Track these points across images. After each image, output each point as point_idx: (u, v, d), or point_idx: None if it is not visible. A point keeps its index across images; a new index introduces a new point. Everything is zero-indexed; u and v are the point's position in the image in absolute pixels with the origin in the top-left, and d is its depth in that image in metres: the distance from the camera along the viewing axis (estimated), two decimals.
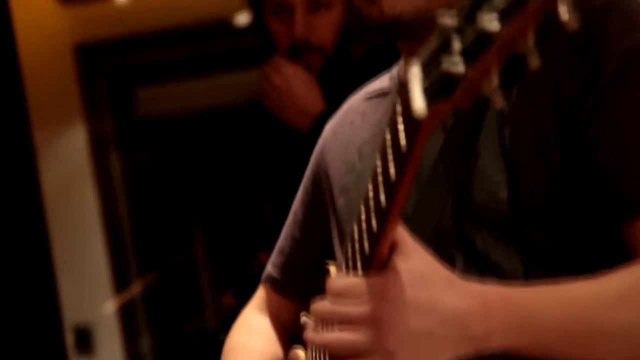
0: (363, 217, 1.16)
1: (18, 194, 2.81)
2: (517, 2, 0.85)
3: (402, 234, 1.14)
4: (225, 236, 4.71)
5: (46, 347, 2.82)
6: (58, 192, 4.12)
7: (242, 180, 4.50)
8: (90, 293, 4.32)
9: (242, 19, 4.34)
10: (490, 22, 0.86)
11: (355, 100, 1.63)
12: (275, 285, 1.73)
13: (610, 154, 1.26)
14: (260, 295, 1.77)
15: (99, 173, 4.42)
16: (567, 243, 1.29)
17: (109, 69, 4.55)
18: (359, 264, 1.18)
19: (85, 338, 4.30)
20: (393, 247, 1.14)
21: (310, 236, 1.67)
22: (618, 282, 1.19)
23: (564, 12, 0.85)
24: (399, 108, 1.03)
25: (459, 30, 0.89)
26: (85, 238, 4.35)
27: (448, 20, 0.91)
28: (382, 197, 1.09)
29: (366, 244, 1.15)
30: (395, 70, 1.55)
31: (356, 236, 1.19)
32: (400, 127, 1.02)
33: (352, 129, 1.58)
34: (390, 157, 1.06)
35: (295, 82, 2.44)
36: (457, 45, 0.89)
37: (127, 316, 4.43)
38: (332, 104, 1.71)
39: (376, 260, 1.14)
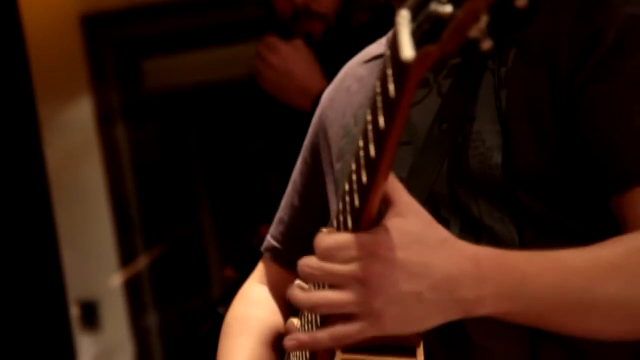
0: (353, 169, 1.13)
1: (23, 168, 2.80)
2: None
3: (399, 191, 1.12)
4: (233, 210, 4.69)
5: (51, 322, 2.82)
6: (64, 165, 4.10)
7: (250, 154, 4.48)
8: (96, 267, 4.31)
9: None
10: None
11: (352, 66, 1.60)
12: (274, 254, 1.69)
13: (601, 125, 1.25)
14: (260, 268, 1.74)
15: (106, 146, 4.40)
16: (562, 210, 1.28)
17: (116, 40, 4.52)
18: (349, 219, 1.15)
19: (90, 312, 4.30)
20: (388, 204, 1.12)
21: (309, 204, 1.64)
22: (609, 254, 1.18)
23: None
24: (387, 54, 1.01)
25: None
26: (91, 211, 4.33)
27: None
28: (372, 148, 1.06)
29: (356, 198, 1.12)
30: (391, 33, 1.52)
31: (347, 190, 1.15)
32: (389, 72, 1.00)
33: (349, 94, 1.55)
34: (379, 105, 1.03)
35: (293, 61, 2.37)
36: None
37: (133, 290, 4.42)
38: (334, 74, 1.66)
39: (366, 214, 1.11)
